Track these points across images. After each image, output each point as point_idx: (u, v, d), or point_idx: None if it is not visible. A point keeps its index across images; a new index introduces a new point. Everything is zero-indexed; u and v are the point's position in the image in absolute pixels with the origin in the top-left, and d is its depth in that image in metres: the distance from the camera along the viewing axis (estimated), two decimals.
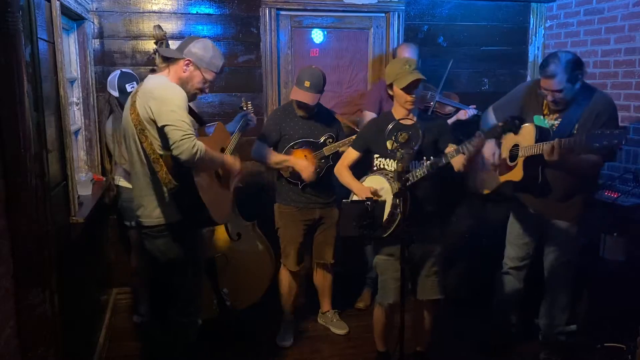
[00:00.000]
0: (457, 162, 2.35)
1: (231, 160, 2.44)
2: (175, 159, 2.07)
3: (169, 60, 2.28)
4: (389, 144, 2.50)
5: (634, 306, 2.69)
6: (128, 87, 3.04)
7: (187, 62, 2.24)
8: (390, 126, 2.50)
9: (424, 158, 2.40)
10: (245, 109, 2.97)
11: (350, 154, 2.69)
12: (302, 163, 2.95)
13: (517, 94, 2.88)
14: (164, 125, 2.06)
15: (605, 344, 2.87)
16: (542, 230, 2.84)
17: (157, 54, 2.95)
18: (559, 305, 2.88)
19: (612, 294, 2.95)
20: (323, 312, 3.40)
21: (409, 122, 2.49)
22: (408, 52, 3.35)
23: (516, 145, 2.67)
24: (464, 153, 2.28)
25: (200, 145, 2.07)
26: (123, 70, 3.15)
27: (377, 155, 2.57)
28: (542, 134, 2.54)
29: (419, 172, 2.36)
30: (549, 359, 2.91)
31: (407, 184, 2.19)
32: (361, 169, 2.70)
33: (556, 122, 2.66)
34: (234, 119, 2.98)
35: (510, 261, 2.99)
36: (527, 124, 2.62)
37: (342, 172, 2.67)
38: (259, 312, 3.36)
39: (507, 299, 3.04)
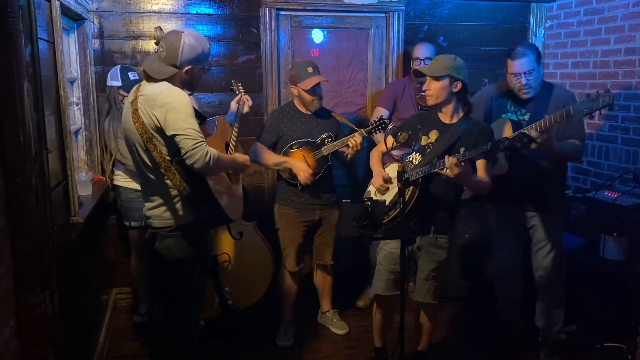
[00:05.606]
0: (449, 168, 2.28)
1: (240, 157, 2.42)
2: (187, 165, 2.07)
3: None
4: (423, 140, 2.50)
5: (634, 306, 2.69)
6: (131, 76, 3.11)
7: (186, 70, 2.18)
8: (426, 123, 2.52)
9: None
10: (236, 92, 2.87)
11: (389, 142, 2.68)
12: (299, 165, 2.92)
13: (481, 99, 2.90)
14: (174, 135, 2.05)
15: (605, 344, 2.87)
16: (528, 226, 2.86)
17: None
18: (554, 301, 2.88)
19: (612, 294, 2.96)
20: (323, 312, 3.40)
21: (449, 122, 2.47)
22: (421, 52, 3.40)
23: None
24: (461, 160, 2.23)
25: (212, 151, 2.07)
26: (123, 65, 3.23)
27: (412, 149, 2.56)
28: (516, 126, 2.61)
29: (421, 171, 2.37)
30: (549, 359, 2.91)
31: (408, 182, 2.21)
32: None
33: (525, 117, 2.72)
34: (230, 109, 2.88)
35: (502, 262, 2.99)
36: (501, 118, 2.70)
37: (374, 155, 2.69)
38: (259, 312, 3.36)
39: (507, 300, 3.04)
